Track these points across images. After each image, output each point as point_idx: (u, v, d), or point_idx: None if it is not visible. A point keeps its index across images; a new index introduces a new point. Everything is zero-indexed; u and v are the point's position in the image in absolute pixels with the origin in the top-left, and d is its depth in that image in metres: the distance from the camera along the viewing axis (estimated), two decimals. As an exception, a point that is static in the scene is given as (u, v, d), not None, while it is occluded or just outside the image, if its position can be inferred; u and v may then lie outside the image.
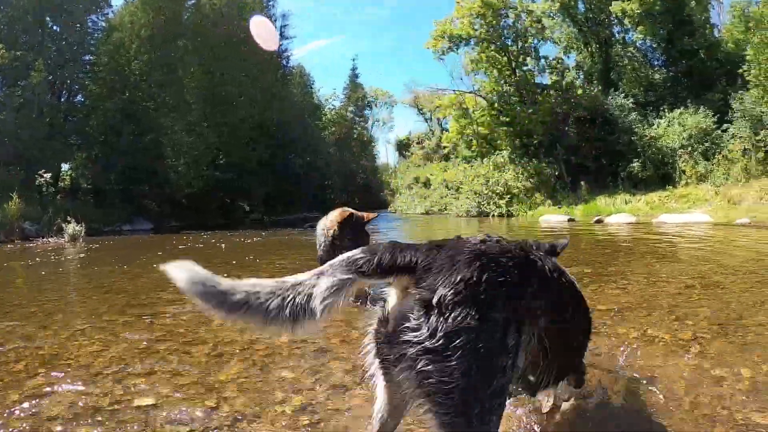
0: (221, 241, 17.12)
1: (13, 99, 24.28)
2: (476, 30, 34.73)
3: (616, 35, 34.43)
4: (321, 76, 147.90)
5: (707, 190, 22.18)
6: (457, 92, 40.21)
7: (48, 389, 3.73)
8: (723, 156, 23.80)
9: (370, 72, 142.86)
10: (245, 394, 3.68)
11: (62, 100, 30.06)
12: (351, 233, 6.23)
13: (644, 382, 3.57)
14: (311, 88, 55.75)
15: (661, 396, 3.31)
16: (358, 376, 3.87)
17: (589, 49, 34.61)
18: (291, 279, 2.04)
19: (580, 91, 33.67)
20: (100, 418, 3.30)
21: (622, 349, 4.15)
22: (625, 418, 3.13)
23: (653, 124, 27.72)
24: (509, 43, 35.07)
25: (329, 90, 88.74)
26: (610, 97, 30.07)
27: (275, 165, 37.34)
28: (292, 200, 40.69)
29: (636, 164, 26.50)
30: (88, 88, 30.20)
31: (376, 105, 76.90)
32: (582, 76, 35.98)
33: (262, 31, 28.28)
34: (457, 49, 36.60)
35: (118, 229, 24.44)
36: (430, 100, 57.80)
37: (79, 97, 31.23)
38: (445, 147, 50.07)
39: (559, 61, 36.45)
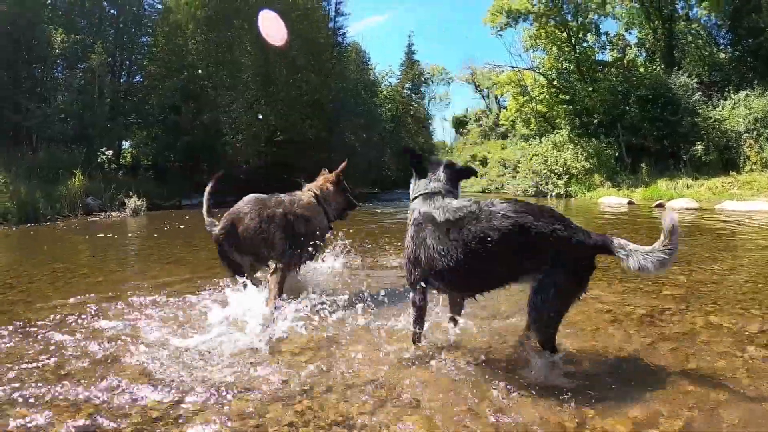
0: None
1: (75, 81, 25.03)
2: (535, 4, 34.28)
3: (679, 11, 33.26)
4: (377, 53, 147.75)
5: (772, 179, 21.51)
6: (515, 69, 39.75)
7: (123, 361, 3.87)
8: (791, 143, 23.05)
9: (427, 48, 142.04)
10: (316, 366, 3.75)
11: (122, 81, 30.81)
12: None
13: (708, 373, 3.55)
14: (367, 64, 55.62)
15: (725, 387, 3.28)
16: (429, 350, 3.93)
17: (651, 25, 33.58)
18: None
19: (642, 69, 32.97)
20: (169, 387, 3.43)
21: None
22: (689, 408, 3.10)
23: (717, 106, 26.85)
24: (569, 19, 34.49)
25: (385, 66, 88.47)
26: (673, 76, 29.19)
27: (331, 141, 37.48)
28: (349, 177, 40.84)
29: (699, 147, 25.74)
30: (146, 69, 31.00)
31: (432, 82, 76.51)
32: (644, 54, 35.20)
33: (269, 26, 28.45)
34: (515, 24, 36.31)
35: (178, 203, 24.98)
36: (487, 77, 57.46)
37: (138, 78, 32.10)
38: (502, 125, 49.69)
39: (621, 37, 35.82)
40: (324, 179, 5.92)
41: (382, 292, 5.27)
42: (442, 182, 4.07)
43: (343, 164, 6.16)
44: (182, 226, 13.08)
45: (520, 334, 4.17)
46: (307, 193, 5.73)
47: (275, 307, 4.93)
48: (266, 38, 28.57)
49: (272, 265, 5.52)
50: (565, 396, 3.18)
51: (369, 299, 4.88)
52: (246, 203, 5.59)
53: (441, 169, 4.18)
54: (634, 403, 3.10)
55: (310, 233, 5.46)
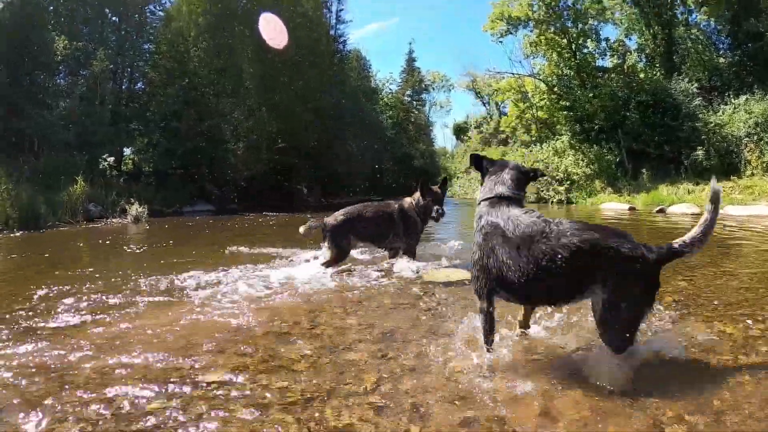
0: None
1: (77, 88, 25.15)
2: (535, 11, 34.33)
3: (679, 16, 33.29)
4: (378, 60, 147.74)
5: (773, 183, 21.45)
6: (515, 75, 39.77)
7: (117, 366, 3.83)
8: (791, 146, 23.01)
9: (427, 55, 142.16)
10: (316, 374, 3.71)
11: (123, 87, 31.03)
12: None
13: (710, 378, 3.52)
14: (368, 71, 55.71)
15: (727, 393, 3.26)
16: (428, 359, 3.90)
17: (651, 30, 33.56)
18: None
19: (642, 75, 33.00)
20: (167, 392, 3.40)
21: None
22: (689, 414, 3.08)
23: (718, 111, 26.82)
24: (569, 25, 34.51)
25: (386, 74, 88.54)
26: (673, 81, 29.20)
27: (332, 148, 37.47)
28: (349, 184, 40.89)
29: (700, 152, 25.67)
30: (148, 76, 31.20)
31: (433, 89, 76.50)
32: (644, 59, 35.21)
33: (270, 29, 28.50)
34: (515, 31, 36.33)
35: (179, 210, 24.97)
36: (488, 83, 57.40)
37: (139, 85, 32.41)
38: (503, 131, 49.66)
39: (621, 43, 35.84)
40: (416, 195, 8.31)
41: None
42: (508, 186, 4.02)
43: (422, 189, 8.41)
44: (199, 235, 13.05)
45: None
46: (409, 200, 8.34)
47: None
48: (267, 41, 28.69)
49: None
50: (566, 403, 3.17)
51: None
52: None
53: (506, 171, 4.12)
54: (635, 409, 3.09)
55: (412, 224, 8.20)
